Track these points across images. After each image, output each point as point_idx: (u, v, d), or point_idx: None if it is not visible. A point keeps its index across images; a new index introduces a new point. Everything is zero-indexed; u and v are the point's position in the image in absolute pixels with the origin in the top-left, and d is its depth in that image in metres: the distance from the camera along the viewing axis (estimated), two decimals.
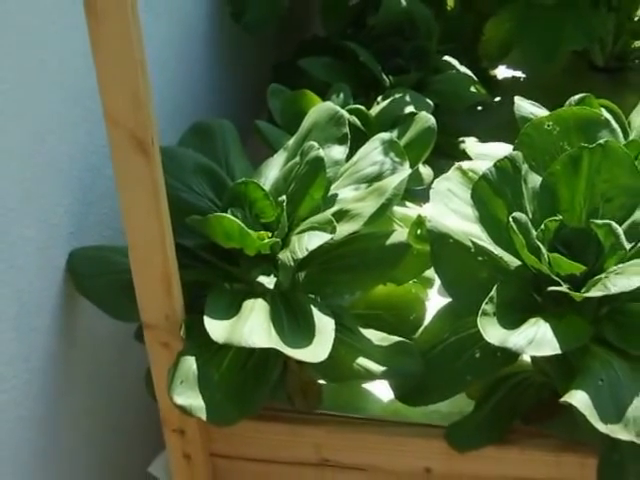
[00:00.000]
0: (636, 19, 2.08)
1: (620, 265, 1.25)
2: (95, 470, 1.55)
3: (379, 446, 1.39)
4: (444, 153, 1.64)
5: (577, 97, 1.51)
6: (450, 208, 1.32)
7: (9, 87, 1.22)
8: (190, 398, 1.25)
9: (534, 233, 1.27)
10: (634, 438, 1.15)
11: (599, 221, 1.27)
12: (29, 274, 1.31)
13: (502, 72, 2.18)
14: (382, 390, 1.42)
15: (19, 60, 1.24)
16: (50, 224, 1.35)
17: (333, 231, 1.28)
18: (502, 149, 1.44)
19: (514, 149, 1.37)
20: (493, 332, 1.19)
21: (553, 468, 1.35)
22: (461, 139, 1.62)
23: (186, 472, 1.42)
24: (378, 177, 1.37)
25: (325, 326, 1.25)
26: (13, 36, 1.22)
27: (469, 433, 1.35)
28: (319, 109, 1.47)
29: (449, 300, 1.36)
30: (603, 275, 1.24)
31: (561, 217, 1.29)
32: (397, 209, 1.42)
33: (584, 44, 2.05)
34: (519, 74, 2.18)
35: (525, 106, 1.53)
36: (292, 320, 1.27)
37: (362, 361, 1.29)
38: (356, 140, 1.43)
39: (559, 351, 1.17)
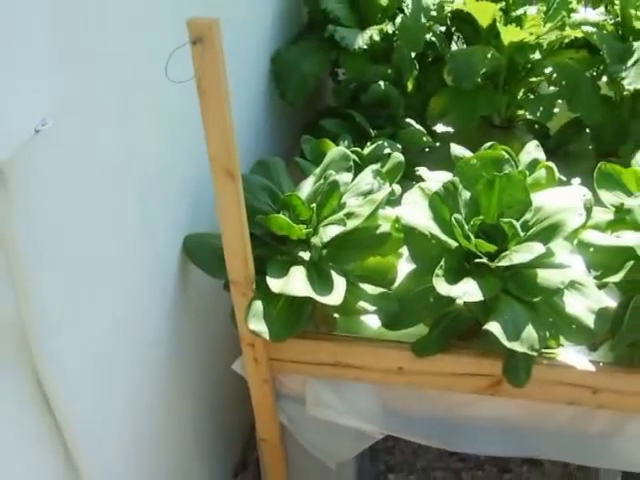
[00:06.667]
0: (519, 97, 2.05)
1: (518, 246, 1.25)
2: (199, 365, 1.55)
3: (371, 354, 1.38)
4: (409, 177, 1.61)
5: (488, 144, 1.50)
6: (415, 211, 1.31)
7: (160, 144, 1.25)
8: (258, 325, 1.26)
9: (466, 227, 1.27)
10: (525, 350, 1.17)
11: (505, 219, 1.27)
12: (161, 249, 1.32)
13: (440, 128, 2.12)
14: (373, 321, 1.41)
15: (163, 128, 1.26)
16: (174, 219, 1.36)
17: (344, 225, 1.29)
18: (445, 176, 1.42)
19: (453, 176, 1.37)
20: (442, 286, 1.20)
21: (476, 366, 1.35)
22: (417, 169, 1.60)
23: (255, 369, 1.42)
24: (370, 192, 1.37)
25: (339, 282, 1.26)
26: (159, 115, 1.24)
27: (426, 346, 1.34)
28: (334, 151, 1.46)
29: (414, 266, 1.34)
30: (508, 252, 1.25)
31: (482, 217, 1.29)
32: (382, 212, 1.39)
33: (490, 112, 2.03)
34: (450, 129, 2.13)
35: (457, 149, 1.52)
36: (319, 279, 1.28)
37: (361, 303, 1.30)
38: (356, 170, 1.43)
39: (481, 298, 1.19)
